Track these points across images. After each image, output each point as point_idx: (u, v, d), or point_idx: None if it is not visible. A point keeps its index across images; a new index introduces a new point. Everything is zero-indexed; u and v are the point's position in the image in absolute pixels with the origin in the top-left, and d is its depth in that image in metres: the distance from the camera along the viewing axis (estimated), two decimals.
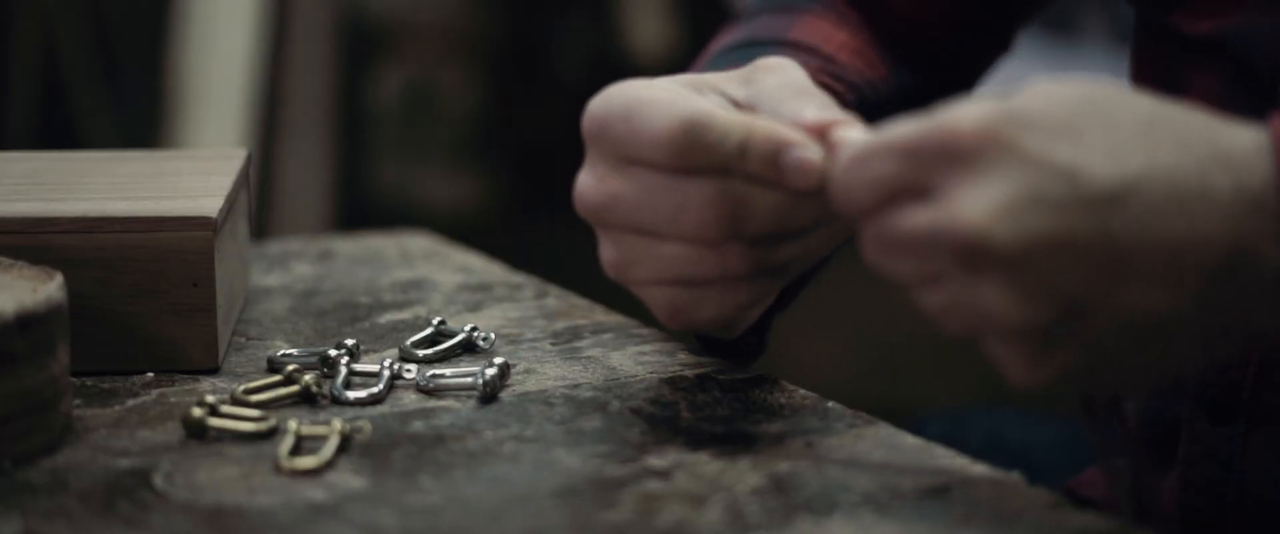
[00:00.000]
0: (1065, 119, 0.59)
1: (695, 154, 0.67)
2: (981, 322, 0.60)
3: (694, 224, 0.68)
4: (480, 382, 0.75)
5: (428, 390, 0.76)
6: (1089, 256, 0.58)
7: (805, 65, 0.86)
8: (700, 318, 0.71)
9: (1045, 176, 0.58)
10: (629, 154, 0.69)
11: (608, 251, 0.71)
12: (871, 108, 0.90)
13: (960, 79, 0.99)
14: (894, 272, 0.61)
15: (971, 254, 0.59)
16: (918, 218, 0.60)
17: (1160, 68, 0.85)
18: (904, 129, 0.61)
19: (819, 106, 0.68)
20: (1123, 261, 0.59)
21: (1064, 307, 0.59)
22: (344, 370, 0.76)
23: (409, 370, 0.77)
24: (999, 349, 0.60)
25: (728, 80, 0.72)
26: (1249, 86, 0.79)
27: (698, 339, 0.82)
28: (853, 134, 0.66)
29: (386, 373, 0.76)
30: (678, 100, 0.68)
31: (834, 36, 0.92)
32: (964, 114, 0.59)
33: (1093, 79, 0.61)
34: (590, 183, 0.70)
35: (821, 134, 0.66)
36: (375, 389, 0.75)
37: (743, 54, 0.90)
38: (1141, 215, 0.59)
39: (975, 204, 0.58)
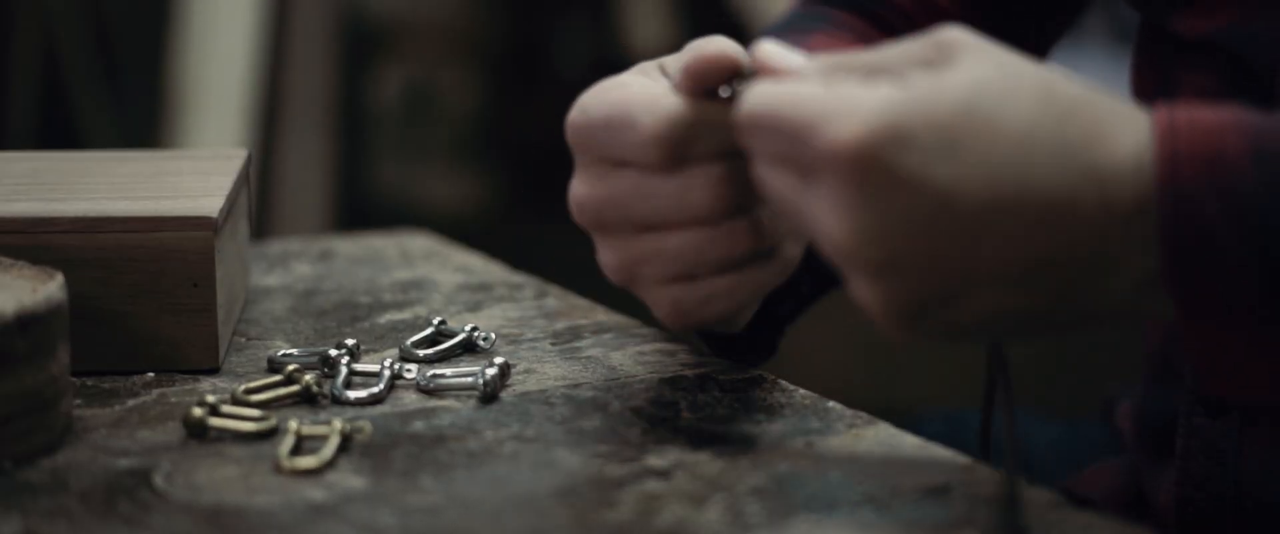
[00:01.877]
0: (946, 132, 0.59)
1: (685, 148, 0.68)
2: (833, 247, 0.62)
3: (701, 203, 0.69)
4: (480, 382, 0.75)
5: (428, 390, 0.76)
6: (951, 269, 0.60)
7: None
8: (706, 313, 0.71)
9: (918, 201, 0.59)
10: (620, 158, 0.69)
11: (609, 256, 0.71)
12: None
13: None
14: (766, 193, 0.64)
15: (832, 255, 0.61)
16: (782, 188, 0.62)
17: (1156, 69, 0.85)
18: (800, 110, 0.61)
19: (694, 50, 0.69)
20: (984, 271, 0.60)
21: (921, 301, 0.61)
22: (344, 370, 0.76)
23: (409, 370, 0.77)
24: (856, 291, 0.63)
25: (671, 57, 0.73)
26: (1244, 87, 0.79)
27: (707, 343, 0.82)
28: (776, 63, 0.66)
29: (387, 373, 0.76)
30: (656, 100, 0.69)
31: (837, 45, 0.92)
32: (845, 127, 0.59)
33: (985, 71, 0.61)
34: (584, 189, 0.71)
35: (759, 66, 0.66)
36: (375, 389, 0.75)
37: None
38: (1008, 234, 0.60)
39: (842, 224, 0.60)
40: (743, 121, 0.63)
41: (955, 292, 0.61)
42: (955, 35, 0.62)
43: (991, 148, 0.59)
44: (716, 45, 0.68)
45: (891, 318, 0.62)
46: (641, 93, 0.70)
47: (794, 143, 0.61)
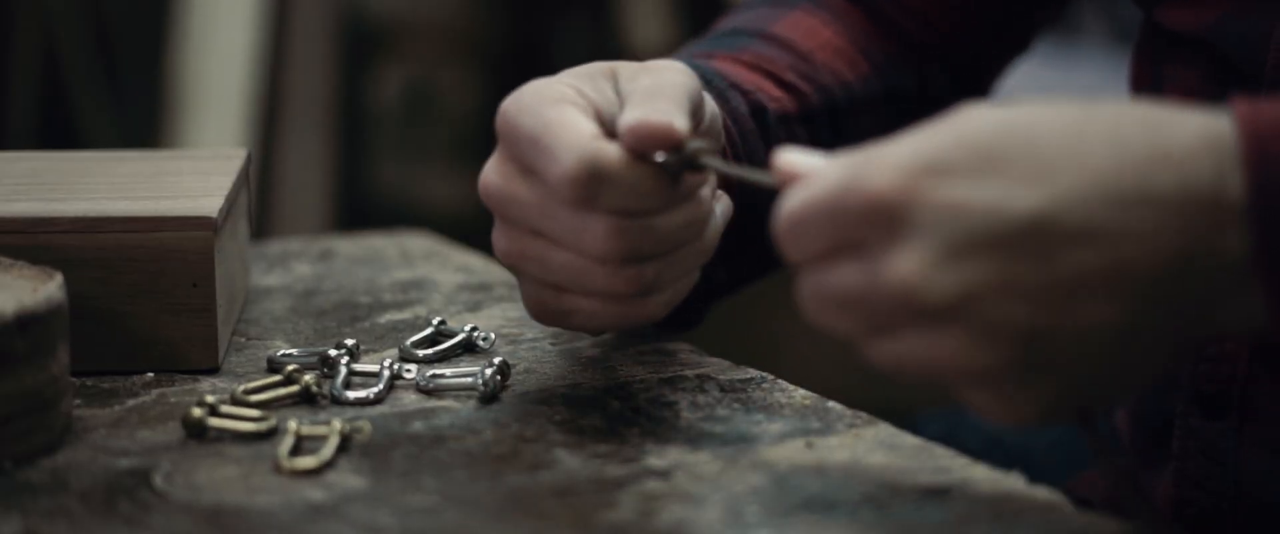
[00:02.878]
0: (983, 154, 0.57)
1: (594, 196, 0.68)
2: (941, 371, 0.58)
3: (591, 246, 0.69)
4: (480, 382, 0.75)
5: (428, 390, 0.76)
6: (1031, 289, 0.57)
7: (776, 61, 0.88)
8: (567, 322, 0.74)
9: (968, 222, 0.57)
10: (535, 170, 0.70)
11: (500, 240, 0.73)
12: (842, 110, 0.90)
13: (975, 81, 0.99)
14: (833, 327, 0.60)
15: (907, 311, 0.57)
16: (849, 276, 0.59)
17: (1148, 64, 0.85)
18: (829, 184, 0.59)
19: (644, 111, 0.68)
20: (1065, 285, 0.57)
21: (1020, 342, 0.57)
22: (344, 370, 0.76)
23: (409, 370, 0.77)
24: (969, 395, 0.59)
25: (625, 73, 0.73)
26: (1229, 84, 0.79)
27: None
28: (801, 168, 0.63)
29: (386, 373, 0.76)
30: (582, 138, 0.69)
31: (818, 34, 0.92)
32: (877, 172, 0.58)
33: (1015, 102, 0.59)
34: (496, 179, 0.72)
35: (784, 176, 0.63)
36: (375, 389, 0.75)
37: (725, 41, 0.91)
38: (1076, 232, 0.57)
39: (903, 262, 0.57)
40: (783, 236, 0.60)
41: (1044, 319, 0.57)
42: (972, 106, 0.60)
43: (1036, 152, 0.57)
44: (664, 116, 0.68)
45: (999, 389, 0.58)
46: (571, 123, 0.69)
47: (835, 219, 0.59)
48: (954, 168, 0.57)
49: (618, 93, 0.72)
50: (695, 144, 0.69)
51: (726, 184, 0.80)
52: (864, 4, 0.95)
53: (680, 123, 0.68)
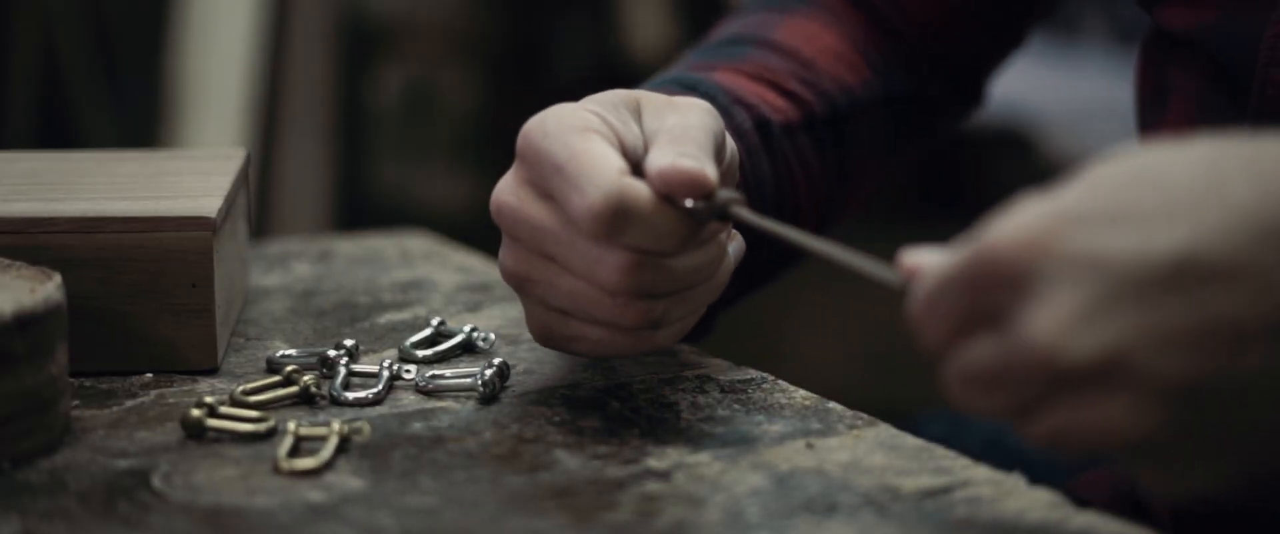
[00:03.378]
0: (1115, 200, 0.54)
1: (617, 233, 0.68)
2: (1101, 441, 0.54)
3: (605, 279, 0.69)
4: (480, 382, 0.75)
5: (427, 391, 0.76)
6: (1184, 337, 0.52)
7: (778, 70, 0.88)
8: (569, 348, 0.73)
9: (1107, 270, 0.53)
10: (557, 197, 0.69)
11: (508, 260, 0.72)
12: (844, 116, 0.90)
13: (970, 80, 0.99)
14: (982, 410, 0.56)
15: (1053, 376, 0.53)
16: (987, 350, 0.55)
17: (1152, 66, 0.85)
18: (956, 258, 0.56)
19: (675, 154, 0.68)
20: (1221, 330, 0.52)
21: (1180, 399, 0.53)
22: (343, 371, 0.76)
23: (408, 371, 0.77)
24: (1136, 467, 0.55)
25: (650, 107, 0.72)
26: (1221, 86, 0.79)
27: None
28: (927, 263, 0.59)
29: (386, 373, 0.76)
30: (610, 172, 0.67)
31: (819, 38, 0.92)
32: (1003, 231, 0.54)
33: (1140, 147, 0.56)
34: (510, 199, 0.71)
35: (909, 269, 0.60)
36: (375, 390, 0.75)
37: (726, 51, 0.90)
38: (1226, 270, 0.52)
39: (1040, 323, 0.53)
40: (918, 322, 0.57)
41: (1207, 369, 0.52)
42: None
43: (1170, 193, 0.53)
44: (697, 164, 0.68)
45: (1166, 456, 0.54)
46: (600, 155, 0.68)
47: (965, 291, 0.56)
48: (1084, 216, 0.54)
49: (641, 127, 0.72)
50: (725, 194, 0.69)
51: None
52: (861, 4, 0.95)
53: (711, 171, 0.68)
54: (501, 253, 0.73)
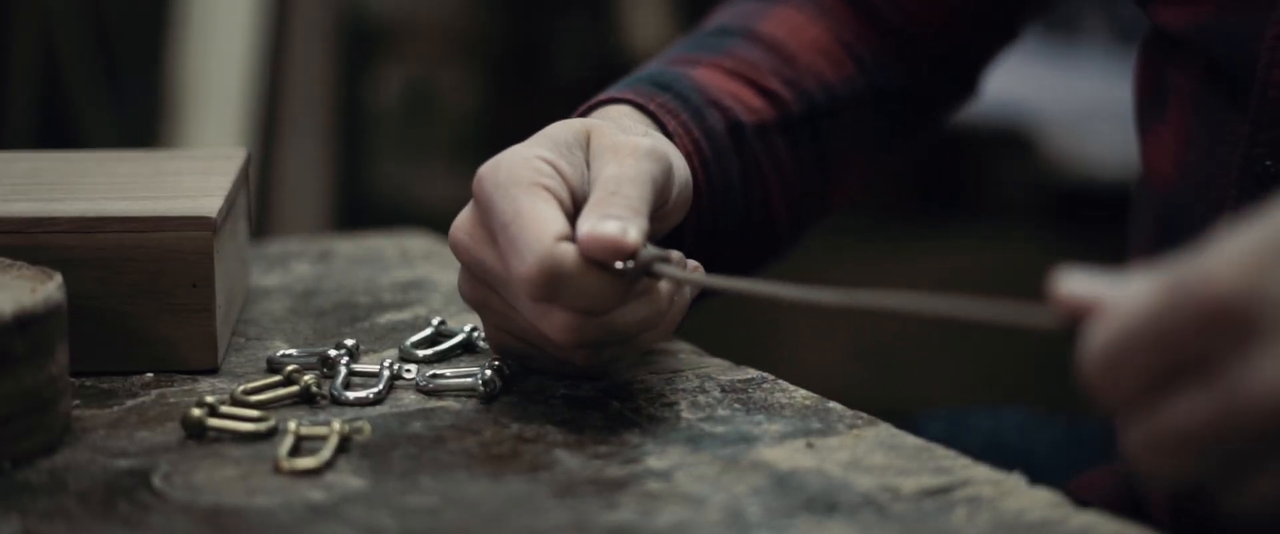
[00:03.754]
0: None
1: (553, 297, 0.70)
2: None
3: (550, 333, 0.71)
4: (480, 382, 0.75)
5: (428, 391, 0.76)
6: None
7: (759, 66, 0.89)
8: (527, 365, 0.77)
9: None
10: (500, 251, 0.72)
11: (464, 286, 0.76)
12: (822, 113, 0.91)
13: (965, 73, 0.99)
14: (1178, 473, 0.50)
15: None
16: (1196, 406, 0.48)
17: (1152, 66, 0.85)
18: (1149, 302, 0.49)
19: (598, 217, 0.69)
20: None
21: None
22: (344, 371, 0.76)
23: (409, 371, 0.77)
24: None
25: (596, 145, 0.74)
26: (1219, 86, 0.79)
27: None
28: (1110, 301, 0.51)
29: (386, 373, 0.76)
30: (546, 238, 0.69)
31: (804, 31, 0.93)
32: (1217, 267, 0.48)
33: None
34: (465, 239, 0.74)
35: (1072, 308, 0.52)
36: (375, 389, 0.75)
37: (711, 42, 0.91)
38: None
39: (1269, 371, 0.47)
40: (1098, 378, 0.50)
41: None
42: None
43: None
44: (617, 228, 0.69)
45: None
46: (539, 218, 0.70)
47: (1166, 340, 0.49)
48: None
49: (589, 168, 0.74)
50: (648, 253, 0.70)
51: (699, 192, 0.81)
52: (854, 2, 0.95)
53: (633, 234, 0.69)
54: (459, 278, 0.76)
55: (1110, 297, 0.51)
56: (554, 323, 0.71)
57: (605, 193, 0.71)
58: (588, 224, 0.69)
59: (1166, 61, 0.83)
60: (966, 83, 1.00)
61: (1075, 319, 0.51)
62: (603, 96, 0.84)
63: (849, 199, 0.97)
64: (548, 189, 0.71)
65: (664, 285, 0.73)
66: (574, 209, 0.72)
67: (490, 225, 0.72)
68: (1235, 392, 0.47)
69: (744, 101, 0.87)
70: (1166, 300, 0.48)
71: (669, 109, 0.83)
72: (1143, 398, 0.49)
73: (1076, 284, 0.52)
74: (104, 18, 2.30)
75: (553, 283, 0.69)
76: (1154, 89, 0.85)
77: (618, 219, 0.69)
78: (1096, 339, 0.50)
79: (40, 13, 2.23)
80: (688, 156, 0.81)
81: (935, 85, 0.98)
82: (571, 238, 0.70)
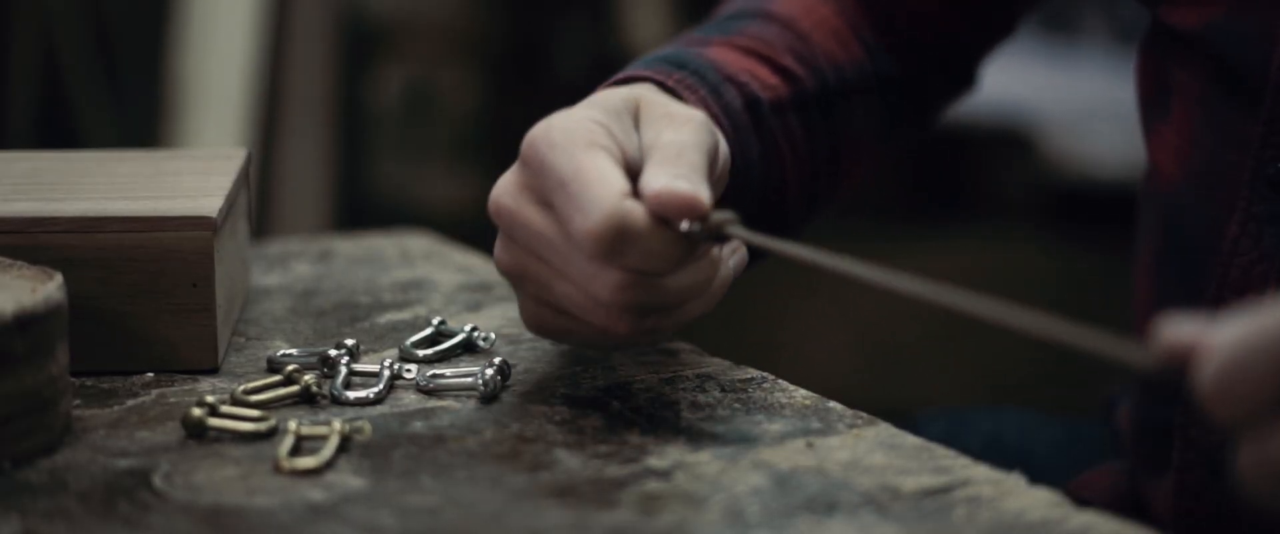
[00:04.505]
0: None
1: (616, 255, 0.68)
2: None
3: (600, 294, 0.69)
4: (480, 382, 0.75)
5: (428, 390, 0.76)
6: None
7: (773, 43, 0.88)
8: (563, 339, 0.75)
9: None
10: (558, 211, 0.70)
11: (503, 255, 0.73)
12: (834, 93, 0.90)
13: (962, 66, 0.99)
14: None
15: None
16: None
17: (1155, 65, 0.85)
18: (1264, 325, 0.49)
19: (670, 176, 0.68)
20: None
21: None
22: (344, 370, 0.76)
23: (409, 370, 0.77)
24: None
25: (647, 114, 0.73)
26: (1228, 86, 0.79)
27: None
28: (1223, 337, 0.51)
29: (386, 373, 0.76)
30: (613, 192, 0.68)
31: (816, 11, 0.93)
32: None
33: None
34: (510, 201, 0.71)
35: (1176, 349, 0.52)
36: (376, 389, 0.75)
37: (724, 26, 0.91)
38: None
39: None
40: (1215, 395, 0.50)
41: None
42: None
43: None
44: (691, 186, 0.68)
45: None
46: (604, 175, 0.69)
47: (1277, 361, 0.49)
48: None
49: (639, 135, 0.72)
50: (719, 215, 0.69)
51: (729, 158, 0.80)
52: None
53: (705, 193, 0.68)
54: (497, 248, 0.73)
55: (1214, 335, 0.51)
56: (608, 281, 0.69)
57: (670, 154, 0.70)
58: (660, 180, 0.68)
59: (1169, 60, 0.83)
60: (963, 76, 1.00)
61: (1180, 361, 0.51)
62: (621, 76, 0.83)
63: (855, 185, 0.97)
64: (605, 149, 0.70)
65: (715, 251, 0.72)
66: (627, 174, 0.70)
67: (544, 185, 0.70)
68: None
69: (760, 78, 0.87)
70: (1277, 325, 0.49)
71: (687, 85, 0.81)
72: (1256, 420, 0.49)
73: (1180, 329, 0.52)
74: (104, 18, 2.30)
75: (619, 238, 0.67)
76: (1156, 88, 0.85)
77: (687, 179, 0.68)
78: (1208, 369, 0.50)
79: (40, 13, 2.23)
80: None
81: (932, 77, 0.98)
82: (636, 195, 0.69)
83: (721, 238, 0.70)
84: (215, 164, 0.88)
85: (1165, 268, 0.85)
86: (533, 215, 0.71)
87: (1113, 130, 2.69)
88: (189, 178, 0.85)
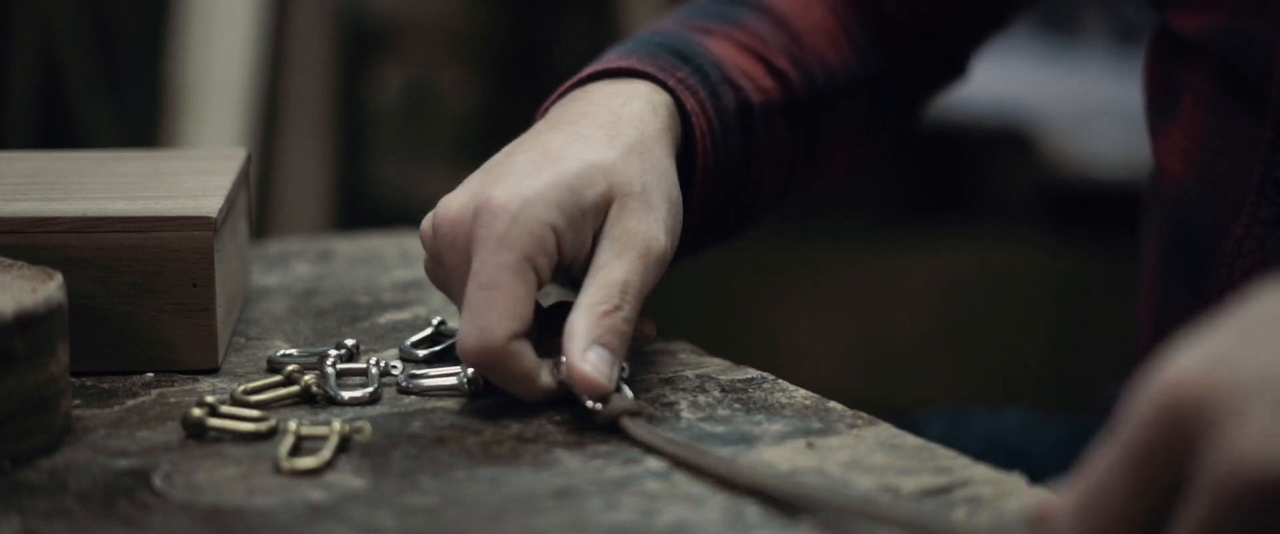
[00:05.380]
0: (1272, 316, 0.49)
1: (485, 374, 0.73)
2: None
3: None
4: (463, 381, 0.75)
5: (407, 391, 0.76)
6: None
7: (770, 42, 0.88)
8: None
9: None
10: (467, 286, 0.73)
11: (430, 270, 0.78)
12: (822, 98, 0.91)
13: (951, 57, 0.99)
14: None
15: (1259, 506, 0.46)
16: (1188, 516, 0.48)
17: (1163, 67, 0.85)
18: (1109, 443, 0.50)
19: (589, 344, 0.71)
20: None
21: None
22: (331, 371, 0.76)
23: (396, 368, 0.77)
24: None
25: (614, 224, 0.74)
26: (1236, 89, 0.79)
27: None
28: (1063, 500, 0.52)
29: (375, 371, 0.76)
30: (506, 323, 0.71)
31: (810, 12, 0.93)
32: (1169, 370, 0.48)
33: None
34: (445, 235, 0.74)
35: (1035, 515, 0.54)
36: (370, 389, 0.75)
37: (723, 10, 0.90)
38: None
39: (1240, 446, 0.46)
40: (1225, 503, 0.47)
41: None
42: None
43: None
44: (598, 377, 0.71)
45: None
46: (513, 304, 0.71)
47: (1146, 463, 0.49)
48: (1239, 350, 0.48)
49: (602, 229, 0.74)
50: (622, 405, 0.71)
51: (706, 169, 0.81)
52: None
53: (612, 378, 0.71)
54: (426, 261, 0.77)
55: (1060, 492, 0.51)
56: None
57: (604, 301, 0.72)
58: (576, 349, 0.71)
59: (1177, 61, 0.83)
60: (954, 66, 1.00)
61: (1041, 518, 0.52)
62: (620, 63, 0.82)
63: (833, 182, 0.98)
64: (536, 269, 0.72)
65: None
66: (563, 266, 0.74)
67: (470, 253, 0.73)
68: (1212, 478, 0.47)
69: (755, 80, 0.87)
70: (1133, 424, 0.49)
71: (688, 86, 0.82)
72: None
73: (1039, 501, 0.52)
74: (104, 17, 2.30)
75: (487, 369, 0.72)
76: (1164, 89, 0.85)
77: (602, 359, 0.71)
78: (1065, 514, 0.51)
79: (40, 12, 2.23)
80: (701, 135, 0.81)
81: (922, 67, 0.98)
82: (527, 334, 0.71)
83: (616, 429, 0.71)
84: (215, 164, 0.88)
85: (1171, 268, 0.85)
86: (455, 262, 0.74)
87: (1113, 130, 2.69)
88: (189, 178, 0.85)
